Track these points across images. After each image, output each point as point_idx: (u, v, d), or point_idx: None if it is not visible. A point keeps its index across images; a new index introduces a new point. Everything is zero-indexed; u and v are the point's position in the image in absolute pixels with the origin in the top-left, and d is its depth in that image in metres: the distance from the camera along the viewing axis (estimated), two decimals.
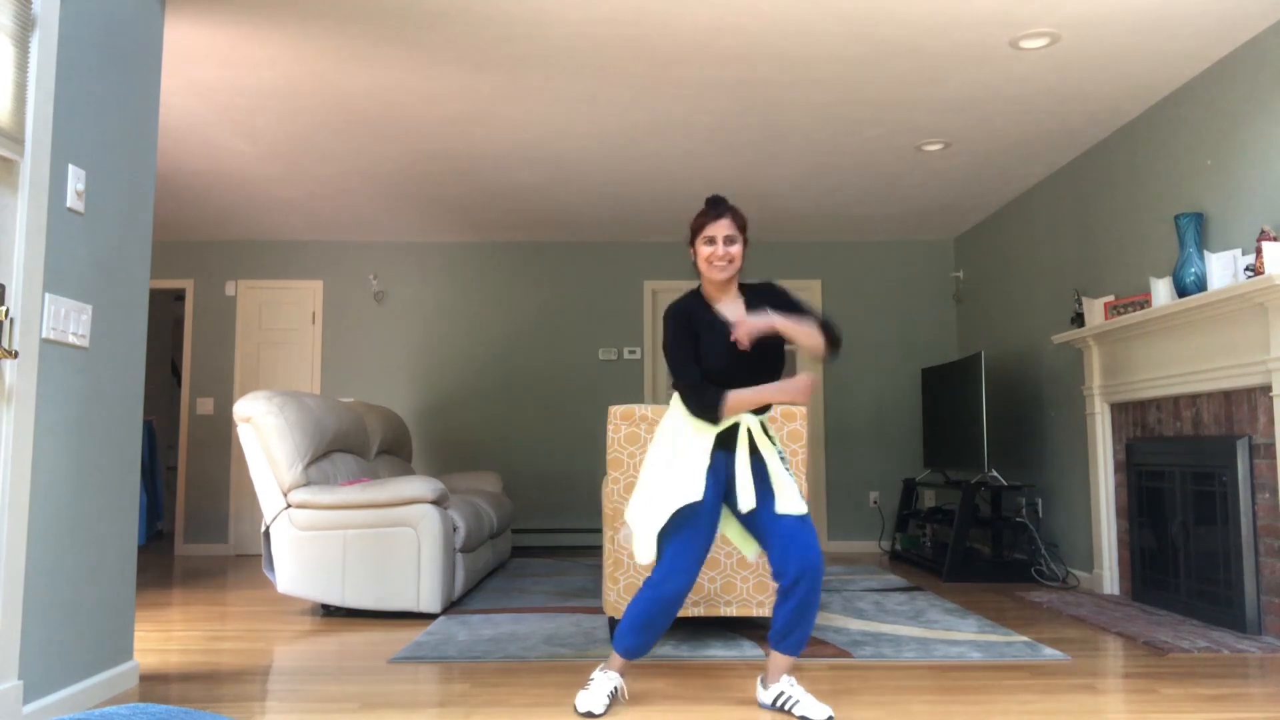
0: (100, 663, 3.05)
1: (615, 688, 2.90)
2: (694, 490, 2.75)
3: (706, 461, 2.80)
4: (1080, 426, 5.66)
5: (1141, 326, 4.70)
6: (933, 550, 6.47)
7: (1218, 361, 4.20)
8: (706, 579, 3.82)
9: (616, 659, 2.92)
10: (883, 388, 7.80)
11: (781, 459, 2.88)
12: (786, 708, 2.83)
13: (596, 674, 2.94)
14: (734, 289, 2.92)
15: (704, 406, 2.77)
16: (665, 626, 2.85)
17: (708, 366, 2.82)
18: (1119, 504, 5.14)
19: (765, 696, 2.90)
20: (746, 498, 2.78)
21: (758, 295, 2.92)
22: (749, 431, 2.83)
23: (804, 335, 2.74)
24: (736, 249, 2.83)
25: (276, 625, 4.39)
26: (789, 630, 2.81)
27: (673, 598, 2.78)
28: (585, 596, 5.10)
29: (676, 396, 2.90)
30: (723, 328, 2.83)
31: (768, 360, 2.86)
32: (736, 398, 2.76)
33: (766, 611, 3.81)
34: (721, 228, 2.82)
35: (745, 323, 2.69)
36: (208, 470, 7.63)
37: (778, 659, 2.87)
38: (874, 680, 3.27)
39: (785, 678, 2.87)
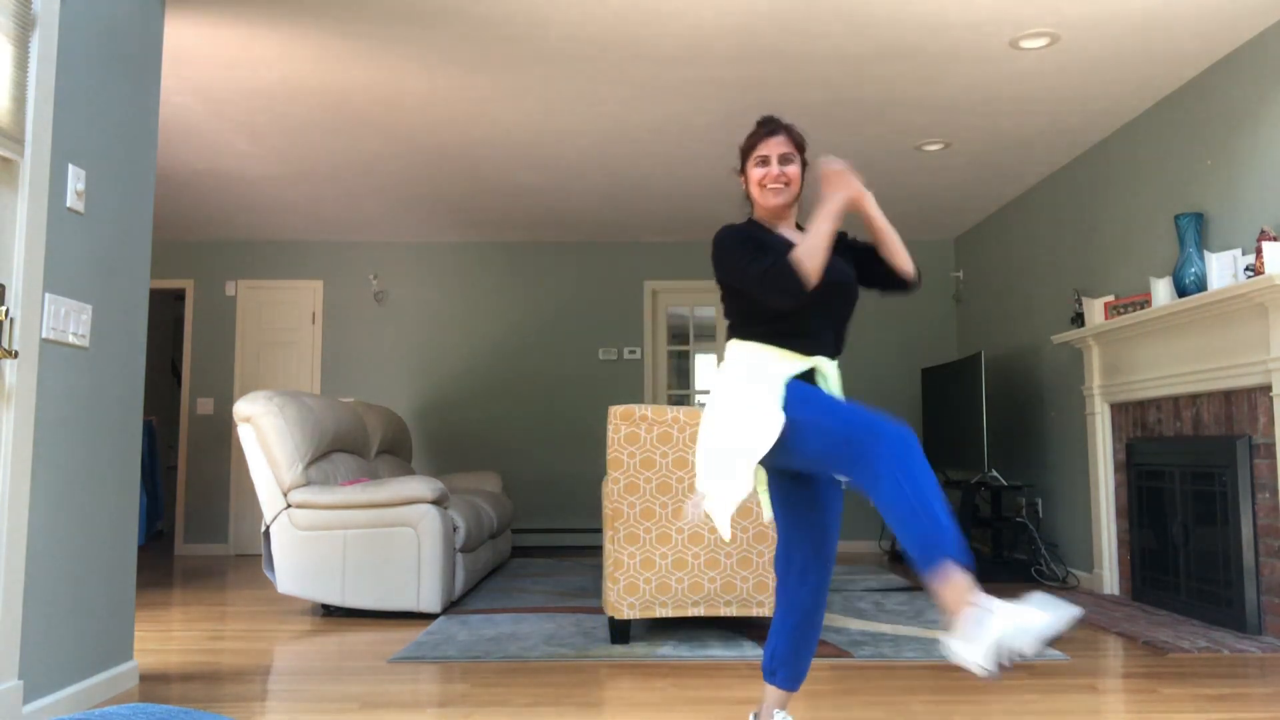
0: (100, 663, 3.05)
1: None
2: (774, 422, 2.13)
3: (781, 392, 2.18)
4: (1080, 426, 5.66)
5: (1141, 326, 4.70)
6: None
7: (1218, 361, 4.20)
8: (706, 579, 3.81)
9: (769, 692, 2.39)
10: (883, 388, 7.79)
11: None
12: None
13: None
14: (792, 220, 2.43)
15: (785, 286, 2.19)
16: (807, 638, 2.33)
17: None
18: (1119, 504, 5.14)
19: None
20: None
21: None
22: (826, 378, 2.30)
23: (892, 237, 2.43)
24: (794, 169, 2.36)
25: (276, 625, 4.39)
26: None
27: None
28: (585, 596, 5.10)
29: (734, 346, 2.32)
30: (785, 246, 2.29)
31: (845, 280, 2.39)
32: (803, 250, 2.21)
33: (766, 611, 3.77)
34: (776, 145, 2.35)
35: (841, 172, 2.31)
36: (208, 470, 7.62)
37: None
38: (874, 680, 3.27)
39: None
